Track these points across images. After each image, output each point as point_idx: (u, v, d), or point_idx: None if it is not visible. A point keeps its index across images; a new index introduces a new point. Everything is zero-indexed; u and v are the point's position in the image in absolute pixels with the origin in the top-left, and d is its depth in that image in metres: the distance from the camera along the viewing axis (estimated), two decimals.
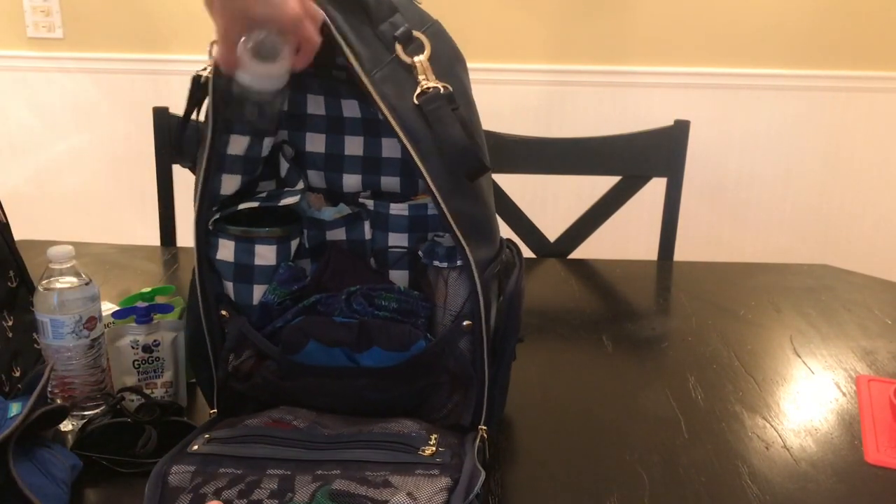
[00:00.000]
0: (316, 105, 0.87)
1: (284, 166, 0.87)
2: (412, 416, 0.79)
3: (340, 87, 0.86)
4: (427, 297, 0.83)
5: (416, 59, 0.76)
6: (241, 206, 0.82)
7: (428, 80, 0.76)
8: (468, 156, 0.75)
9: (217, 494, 0.66)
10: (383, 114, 0.73)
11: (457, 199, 0.75)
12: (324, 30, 0.73)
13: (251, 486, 0.67)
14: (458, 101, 0.76)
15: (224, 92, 0.77)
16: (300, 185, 0.86)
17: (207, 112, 0.79)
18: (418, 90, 0.75)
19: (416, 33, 0.78)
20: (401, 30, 0.77)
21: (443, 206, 0.75)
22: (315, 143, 0.88)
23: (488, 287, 0.78)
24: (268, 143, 0.85)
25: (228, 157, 0.81)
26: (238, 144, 0.81)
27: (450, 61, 0.80)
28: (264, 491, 0.66)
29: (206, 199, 0.80)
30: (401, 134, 0.73)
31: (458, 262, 0.80)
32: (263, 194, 0.85)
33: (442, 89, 0.75)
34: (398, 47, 0.76)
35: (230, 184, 0.82)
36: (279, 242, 0.83)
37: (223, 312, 0.83)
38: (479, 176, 0.77)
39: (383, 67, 0.74)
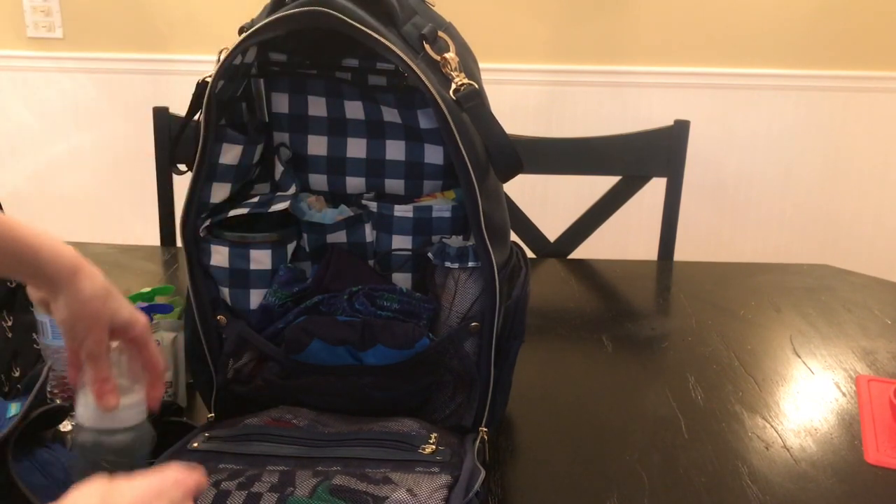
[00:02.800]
0: (317, 107, 0.86)
1: (279, 169, 0.87)
2: (413, 416, 0.79)
3: (343, 89, 0.85)
4: (429, 299, 0.83)
5: (445, 55, 0.76)
6: (231, 213, 0.82)
7: (459, 76, 0.75)
8: (510, 154, 0.75)
9: (216, 486, 0.66)
10: (434, 102, 0.71)
11: (484, 199, 0.75)
12: (336, 28, 0.71)
13: (251, 479, 0.67)
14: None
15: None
16: (292, 190, 0.86)
17: (201, 120, 0.78)
18: (453, 86, 0.74)
19: (440, 33, 0.77)
20: (427, 28, 0.76)
21: (479, 202, 0.74)
22: (317, 145, 0.88)
23: (502, 290, 0.78)
24: (259, 149, 0.85)
25: (220, 167, 0.80)
26: (231, 153, 0.81)
27: (466, 60, 0.80)
28: (264, 484, 0.66)
29: (195, 206, 0.80)
30: (452, 124, 0.72)
31: (470, 264, 0.80)
32: (255, 199, 0.84)
33: (476, 86, 0.75)
34: (426, 46, 0.75)
35: (220, 192, 0.82)
36: (274, 247, 0.83)
37: (220, 318, 0.82)
38: (514, 175, 0.77)
39: (418, 62, 0.73)
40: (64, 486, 0.73)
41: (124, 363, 0.70)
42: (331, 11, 0.70)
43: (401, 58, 0.70)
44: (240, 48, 0.74)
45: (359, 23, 0.70)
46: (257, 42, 0.74)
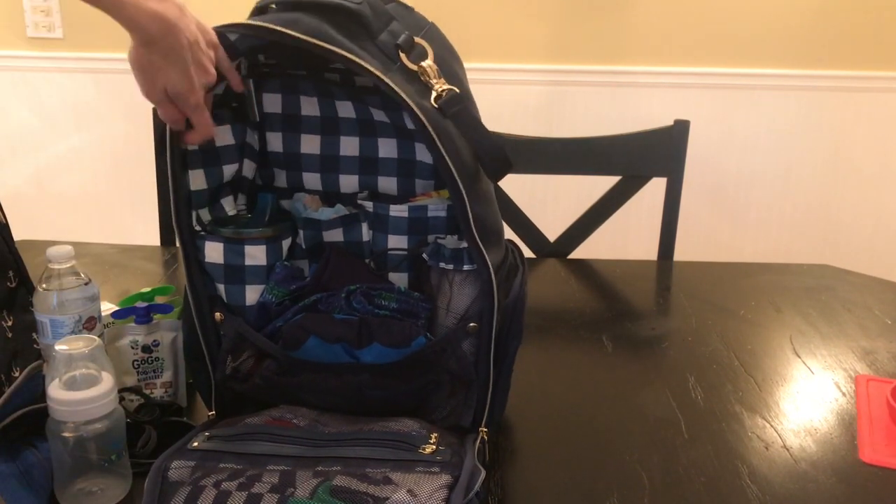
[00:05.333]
0: (310, 107, 0.87)
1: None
2: (412, 416, 0.79)
3: (333, 89, 0.85)
4: (427, 299, 0.83)
5: (423, 63, 0.76)
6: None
7: (439, 83, 0.75)
8: (499, 155, 0.75)
9: (217, 486, 0.66)
10: (411, 112, 0.71)
11: (473, 202, 0.75)
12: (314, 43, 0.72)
13: (252, 479, 0.67)
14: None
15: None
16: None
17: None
18: (433, 94, 0.74)
19: (416, 39, 0.77)
20: (402, 37, 0.76)
21: (468, 208, 0.74)
22: (310, 144, 0.88)
23: (499, 292, 0.78)
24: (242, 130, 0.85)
25: (191, 154, 0.81)
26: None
27: (449, 63, 0.80)
28: (265, 485, 0.66)
29: (182, 198, 0.80)
30: (433, 133, 0.72)
31: (465, 267, 0.80)
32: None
33: (458, 90, 0.75)
34: (402, 55, 0.76)
35: (197, 180, 0.82)
36: (269, 242, 0.83)
37: (217, 315, 0.82)
38: (505, 174, 0.77)
39: (393, 73, 0.73)
40: (43, 491, 0.73)
41: (96, 354, 0.72)
42: (299, 35, 0.71)
43: (375, 74, 0.70)
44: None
45: (328, 42, 0.71)
46: (231, 32, 0.76)
